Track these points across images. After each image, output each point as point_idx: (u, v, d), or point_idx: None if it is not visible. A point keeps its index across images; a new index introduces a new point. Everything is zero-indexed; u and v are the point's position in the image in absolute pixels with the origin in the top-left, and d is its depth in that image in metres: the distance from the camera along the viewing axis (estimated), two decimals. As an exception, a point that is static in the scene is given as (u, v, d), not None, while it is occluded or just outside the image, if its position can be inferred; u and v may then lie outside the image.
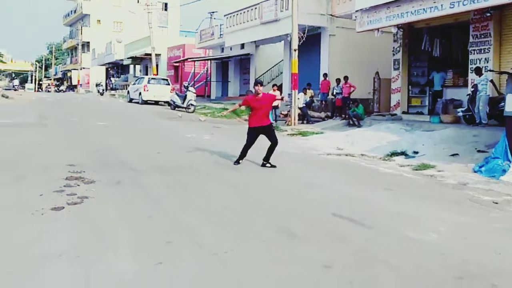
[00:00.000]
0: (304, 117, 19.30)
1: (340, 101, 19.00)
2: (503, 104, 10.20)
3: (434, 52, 16.70)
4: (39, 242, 4.70)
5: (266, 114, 9.56)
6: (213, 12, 38.48)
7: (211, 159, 9.99)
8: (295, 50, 18.60)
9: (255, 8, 24.63)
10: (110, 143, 11.59)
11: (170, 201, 6.51)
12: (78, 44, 60.10)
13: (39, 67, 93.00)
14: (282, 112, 19.74)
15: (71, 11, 69.09)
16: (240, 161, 9.45)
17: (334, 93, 19.31)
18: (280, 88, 21.46)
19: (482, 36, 14.34)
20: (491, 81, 13.06)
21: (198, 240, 4.91)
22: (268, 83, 26.67)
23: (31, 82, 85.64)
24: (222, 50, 32.19)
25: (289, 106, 19.01)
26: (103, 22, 62.88)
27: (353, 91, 18.57)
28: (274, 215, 6.03)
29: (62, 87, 68.27)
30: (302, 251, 4.70)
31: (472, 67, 14.56)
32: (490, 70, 13.37)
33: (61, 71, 78.32)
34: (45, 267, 4.12)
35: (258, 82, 9.50)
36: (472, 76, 14.51)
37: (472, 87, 14.13)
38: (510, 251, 4.94)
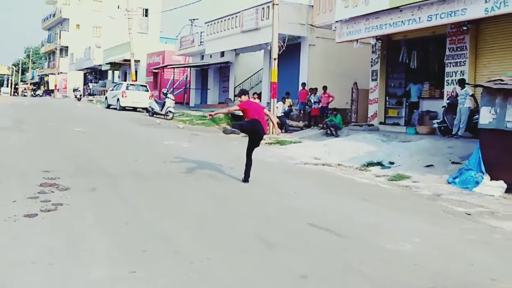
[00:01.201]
0: (282, 126, 19.37)
1: (317, 111, 19.14)
2: (477, 116, 10.38)
3: (411, 64, 16.96)
4: (12, 249, 4.63)
5: (263, 118, 8.85)
6: (193, 19, 38.39)
7: (189, 166, 9.94)
8: (274, 59, 18.71)
9: (236, 16, 24.71)
10: (87, 149, 11.46)
11: (147, 209, 6.47)
12: (56, 49, 59.51)
13: (15, 71, 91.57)
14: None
15: (50, 15, 68.29)
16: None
17: (312, 101, 19.43)
18: (259, 96, 21.52)
19: (458, 49, 14.62)
20: (472, 95, 13.20)
21: (175, 248, 4.89)
22: (248, 91, 26.61)
23: (7, 86, 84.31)
24: (202, 57, 32.14)
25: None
26: (82, 26, 62.24)
27: (332, 101, 18.73)
28: (252, 223, 6.04)
29: (39, 92, 67.39)
30: (279, 260, 4.71)
31: (448, 80, 14.85)
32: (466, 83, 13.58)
33: (38, 76, 77.23)
34: (18, 274, 4.07)
35: (244, 93, 9.40)
36: (447, 88, 14.78)
37: (447, 99, 14.37)
38: (482, 263, 5.02)
